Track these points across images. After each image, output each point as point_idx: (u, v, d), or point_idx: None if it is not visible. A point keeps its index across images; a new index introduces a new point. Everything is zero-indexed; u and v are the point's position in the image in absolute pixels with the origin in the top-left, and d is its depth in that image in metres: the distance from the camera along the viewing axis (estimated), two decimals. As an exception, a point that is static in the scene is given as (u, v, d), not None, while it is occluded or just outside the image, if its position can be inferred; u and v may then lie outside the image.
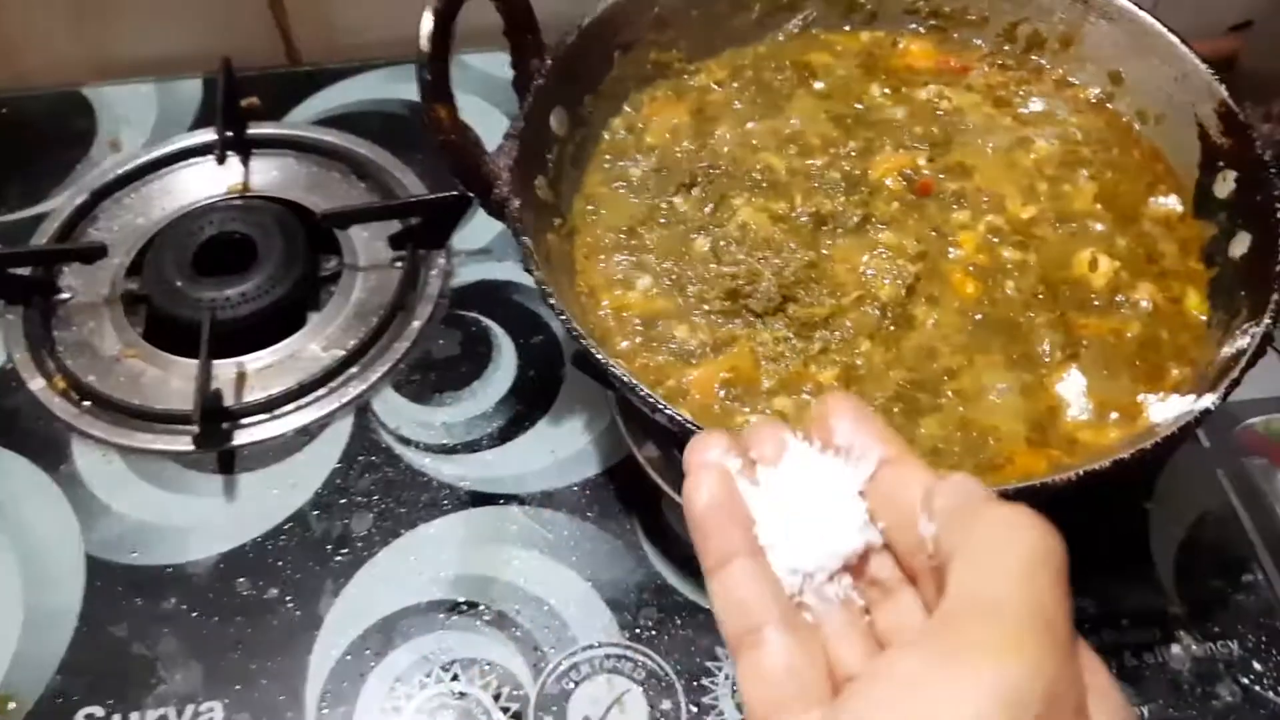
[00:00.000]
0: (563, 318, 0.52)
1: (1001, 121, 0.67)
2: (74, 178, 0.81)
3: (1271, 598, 0.63)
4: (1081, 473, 0.48)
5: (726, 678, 0.60)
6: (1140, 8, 0.66)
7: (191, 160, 0.82)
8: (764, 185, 0.64)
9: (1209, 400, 0.51)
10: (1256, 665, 0.60)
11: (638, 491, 0.66)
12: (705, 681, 0.59)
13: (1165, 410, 0.54)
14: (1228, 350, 0.54)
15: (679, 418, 0.49)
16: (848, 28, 0.72)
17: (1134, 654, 0.61)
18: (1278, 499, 0.79)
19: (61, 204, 0.79)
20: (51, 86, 0.87)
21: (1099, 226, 0.62)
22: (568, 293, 0.58)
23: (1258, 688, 0.60)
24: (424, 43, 0.53)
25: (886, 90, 0.69)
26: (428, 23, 0.53)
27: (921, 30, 0.72)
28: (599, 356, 0.51)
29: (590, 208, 0.63)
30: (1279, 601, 0.63)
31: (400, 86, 0.87)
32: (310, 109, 0.86)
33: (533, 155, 0.60)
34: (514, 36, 0.61)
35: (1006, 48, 0.70)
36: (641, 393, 0.50)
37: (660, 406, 0.50)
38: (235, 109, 0.83)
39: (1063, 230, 0.62)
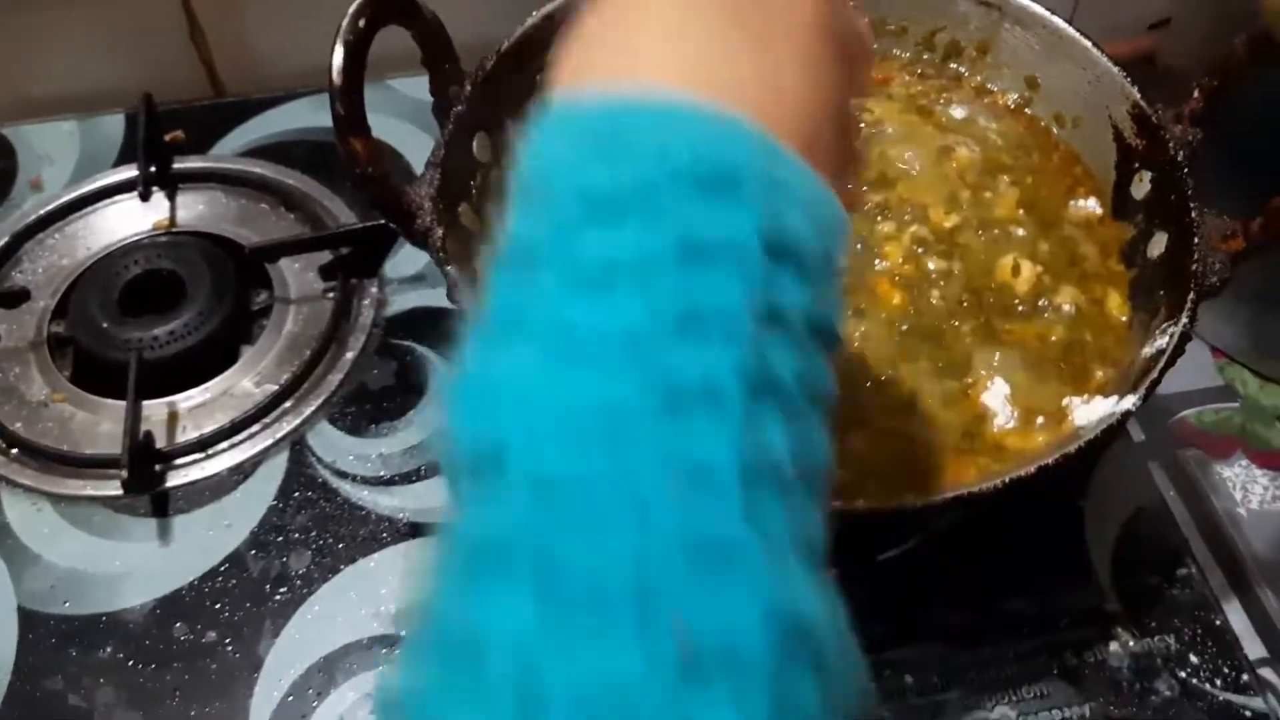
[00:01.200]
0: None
1: (923, 130, 0.68)
2: (-7, 219, 0.80)
3: (1206, 591, 0.64)
4: (1007, 480, 0.49)
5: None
6: (1055, 13, 0.67)
7: (115, 198, 0.81)
8: None
9: (1130, 402, 0.51)
10: (1193, 658, 0.61)
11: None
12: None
13: (1090, 412, 0.55)
14: (1148, 350, 0.55)
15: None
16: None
17: (1074, 653, 0.61)
18: (1212, 489, 0.81)
19: (-19, 247, 0.78)
20: (-34, 127, 0.86)
21: (1021, 232, 0.63)
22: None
23: (1194, 680, 0.61)
24: (336, 76, 0.53)
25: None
26: (338, 56, 0.52)
27: (841, 42, 0.72)
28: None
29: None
30: (1213, 595, 0.64)
31: (325, 116, 0.85)
32: (236, 140, 0.85)
33: (456, 182, 0.60)
34: (432, 64, 0.61)
35: (926, 56, 0.71)
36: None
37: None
38: (159, 144, 0.82)
39: (986, 237, 0.63)
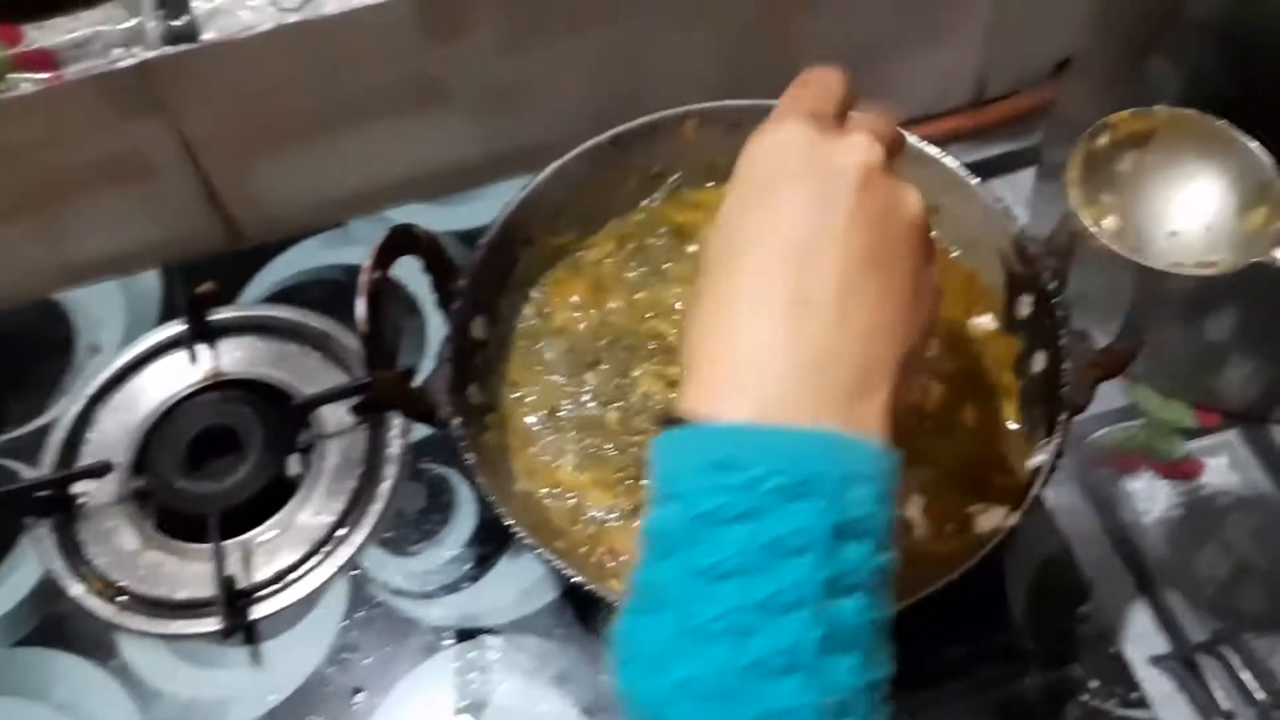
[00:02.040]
0: (507, 523, 0.66)
1: None
2: (65, 385, 0.93)
3: (1104, 623, 0.79)
4: (922, 596, 0.63)
5: (682, 759, 0.75)
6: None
7: (165, 355, 0.94)
8: (658, 354, 0.77)
9: (1014, 518, 0.65)
10: (1094, 683, 0.76)
11: (594, 607, 0.80)
12: (666, 765, 0.75)
13: (988, 521, 0.69)
14: (1031, 464, 0.69)
15: (609, 598, 0.64)
16: (711, 184, 0.84)
17: (997, 688, 0.76)
18: (1121, 503, 0.95)
19: (59, 413, 0.91)
20: (24, 299, 0.98)
21: (930, 354, 0.76)
22: (508, 483, 0.72)
23: (1095, 702, 0.76)
24: (361, 324, 0.65)
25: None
26: (361, 308, 0.65)
27: (772, 179, 0.84)
28: (542, 555, 0.65)
29: (515, 394, 0.76)
30: (1109, 625, 0.79)
31: (334, 252, 0.99)
32: (260, 285, 0.97)
33: (463, 368, 0.73)
34: (433, 270, 0.73)
35: (841, 186, 0.83)
36: (575, 580, 0.64)
37: (595, 591, 0.64)
38: (195, 299, 0.95)
39: None
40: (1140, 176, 0.69)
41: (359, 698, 0.78)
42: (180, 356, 0.93)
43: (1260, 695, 0.83)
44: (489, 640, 0.80)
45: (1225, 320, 0.97)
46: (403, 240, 0.69)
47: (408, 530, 0.85)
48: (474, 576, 0.83)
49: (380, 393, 0.67)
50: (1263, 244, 0.63)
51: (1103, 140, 0.68)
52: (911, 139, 0.78)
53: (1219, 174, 0.67)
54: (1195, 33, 0.85)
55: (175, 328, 0.94)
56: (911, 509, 0.71)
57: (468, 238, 0.76)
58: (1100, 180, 0.69)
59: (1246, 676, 0.84)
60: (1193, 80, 0.88)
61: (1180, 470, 0.97)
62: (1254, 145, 0.66)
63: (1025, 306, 0.74)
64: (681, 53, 1.00)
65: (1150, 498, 0.96)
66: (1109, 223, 0.67)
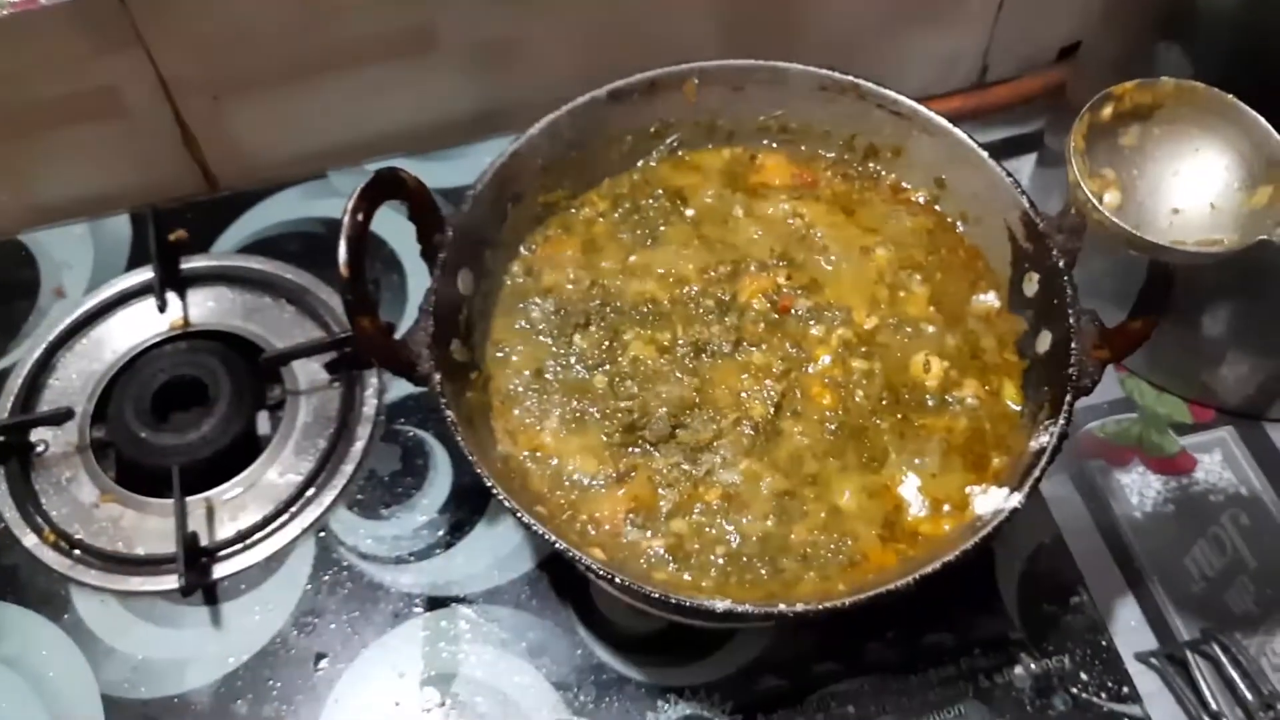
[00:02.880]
0: (489, 484, 0.63)
1: (848, 231, 0.78)
2: (28, 329, 0.89)
3: (1095, 615, 0.77)
4: (917, 577, 0.60)
5: (658, 738, 0.72)
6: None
7: (132, 302, 0.90)
8: (650, 318, 0.74)
9: (1016, 499, 0.63)
10: (1083, 676, 0.74)
11: (570, 581, 0.77)
12: (640, 744, 0.72)
13: (987, 502, 0.66)
14: (1034, 444, 0.66)
15: (593, 565, 0.61)
16: (710, 146, 0.82)
17: (986, 677, 0.74)
18: (1112, 496, 0.93)
19: (21, 356, 0.87)
20: (-10, 237, 0.94)
21: (931, 329, 0.74)
22: (488, 445, 0.69)
23: (1085, 695, 0.74)
24: (343, 269, 0.62)
25: (748, 209, 0.79)
26: (343, 252, 0.62)
27: (774, 145, 0.81)
28: (523, 518, 0.61)
29: (500, 353, 0.73)
30: (1100, 618, 0.77)
31: (314, 204, 0.95)
32: (235, 235, 0.94)
33: (446, 322, 0.69)
34: (418, 219, 0.70)
35: (847, 157, 0.81)
36: (559, 546, 0.61)
37: (577, 558, 0.61)
38: (165, 246, 0.91)
39: (901, 336, 0.73)
40: (1144, 150, 0.67)
41: (322, 664, 0.75)
42: (148, 304, 0.90)
43: (1248, 696, 0.81)
44: (461, 609, 0.77)
45: (1222, 317, 0.96)
46: (389, 183, 0.66)
47: (380, 493, 0.82)
48: (447, 543, 0.79)
49: (359, 343, 0.64)
50: (1268, 223, 0.61)
51: (1107, 111, 0.66)
52: (920, 108, 0.76)
53: (1225, 150, 0.65)
54: (1205, 19, 0.83)
55: (144, 275, 0.90)
56: (907, 486, 0.68)
57: (454, 195, 0.72)
58: (1103, 153, 0.66)
59: (1235, 676, 0.82)
60: (1202, 67, 0.86)
61: (1173, 465, 0.95)
62: (1262, 121, 0.63)
63: (1032, 284, 0.72)
64: (682, 13, 0.98)
65: (1142, 492, 0.94)
66: (1110, 197, 0.65)
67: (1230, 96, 0.64)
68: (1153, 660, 0.85)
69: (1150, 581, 0.90)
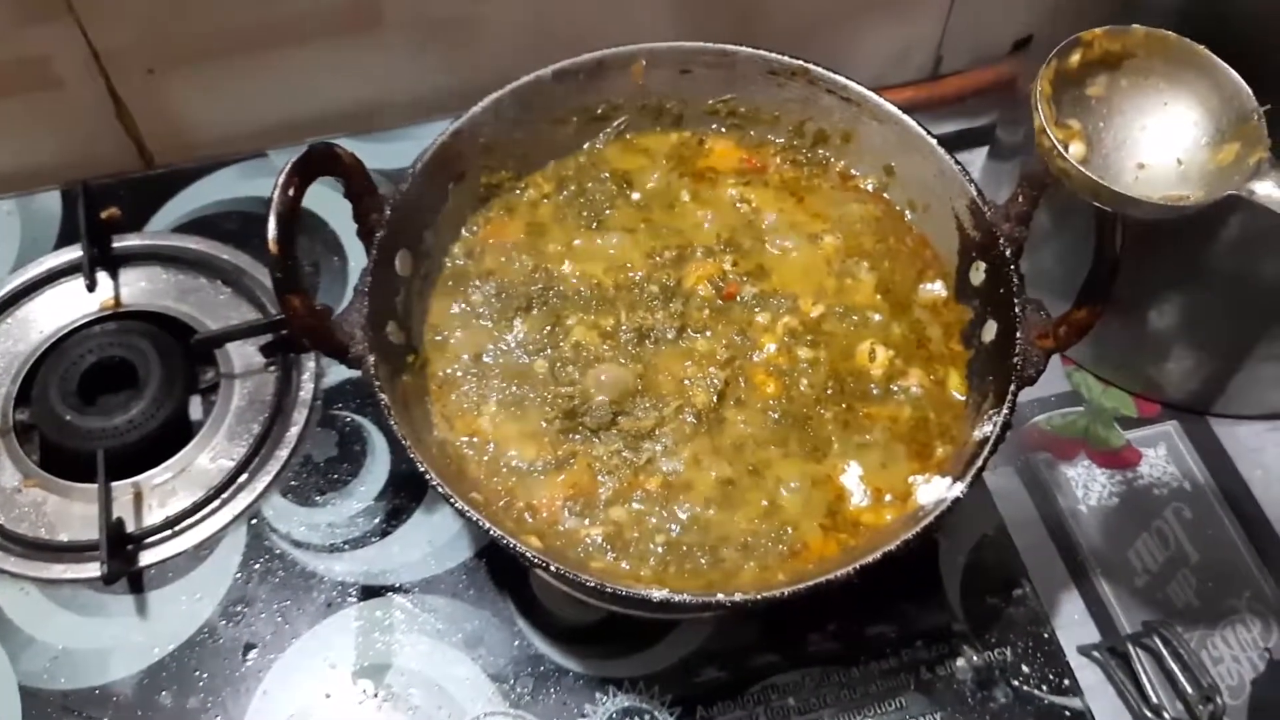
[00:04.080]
0: (423, 469, 0.61)
1: (796, 217, 0.77)
2: (-51, 307, 0.86)
3: (1037, 607, 0.76)
4: (858, 566, 0.59)
5: (595, 731, 0.71)
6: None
7: (61, 280, 0.87)
8: (594, 302, 0.72)
9: (959, 489, 0.62)
10: (1025, 668, 0.74)
11: (509, 570, 0.76)
12: (577, 737, 0.71)
13: (930, 492, 0.66)
14: (977, 434, 0.66)
15: (528, 554, 0.59)
16: (658, 129, 0.80)
17: (928, 669, 0.74)
18: (1057, 489, 0.93)
19: (-59, 336, 0.84)
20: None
21: (877, 317, 0.73)
22: (424, 430, 0.67)
23: (1026, 687, 0.73)
24: (272, 245, 0.60)
25: (695, 194, 0.78)
26: (272, 228, 0.60)
27: (723, 130, 0.80)
28: (457, 505, 0.60)
29: (438, 337, 0.71)
30: (1042, 610, 0.76)
31: (253, 183, 0.93)
32: (170, 214, 0.91)
33: (382, 303, 0.67)
34: (354, 197, 0.68)
35: (796, 143, 0.80)
36: (494, 534, 0.59)
37: (512, 546, 0.59)
38: (97, 223, 0.88)
39: (847, 324, 0.72)
40: (1111, 102, 0.64)
41: (251, 655, 0.73)
42: (77, 284, 0.87)
43: (1189, 688, 0.81)
44: (396, 599, 0.75)
45: (1168, 311, 0.96)
46: (323, 159, 0.64)
47: (315, 479, 0.80)
48: (383, 531, 0.78)
49: (289, 323, 0.62)
50: (1235, 179, 0.59)
51: (1075, 59, 0.63)
52: (870, 94, 0.75)
53: (1194, 105, 0.63)
54: (1155, 15, 0.83)
55: (74, 253, 0.88)
56: (849, 476, 0.67)
57: (398, 177, 0.70)
58: (1070, 104, 0.64)
59: (1175, 668, 0.82)
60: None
61: (1118, 459, 0.95)
62: (1234, 74, 0.61)
63: (979, 274, 0.71)
64: (634, -4, 0.96)
65: (1087, 485, 0.94)
66: (1075, 149, 0.63)
67: (1202, 48, 0.62)
68: (1095, 653, 0.84)
69: (1094, 574, 0.89)
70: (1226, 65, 0.62)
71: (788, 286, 0.74)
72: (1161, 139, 0.63)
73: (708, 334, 0.72)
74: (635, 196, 0.77)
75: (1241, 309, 0.90)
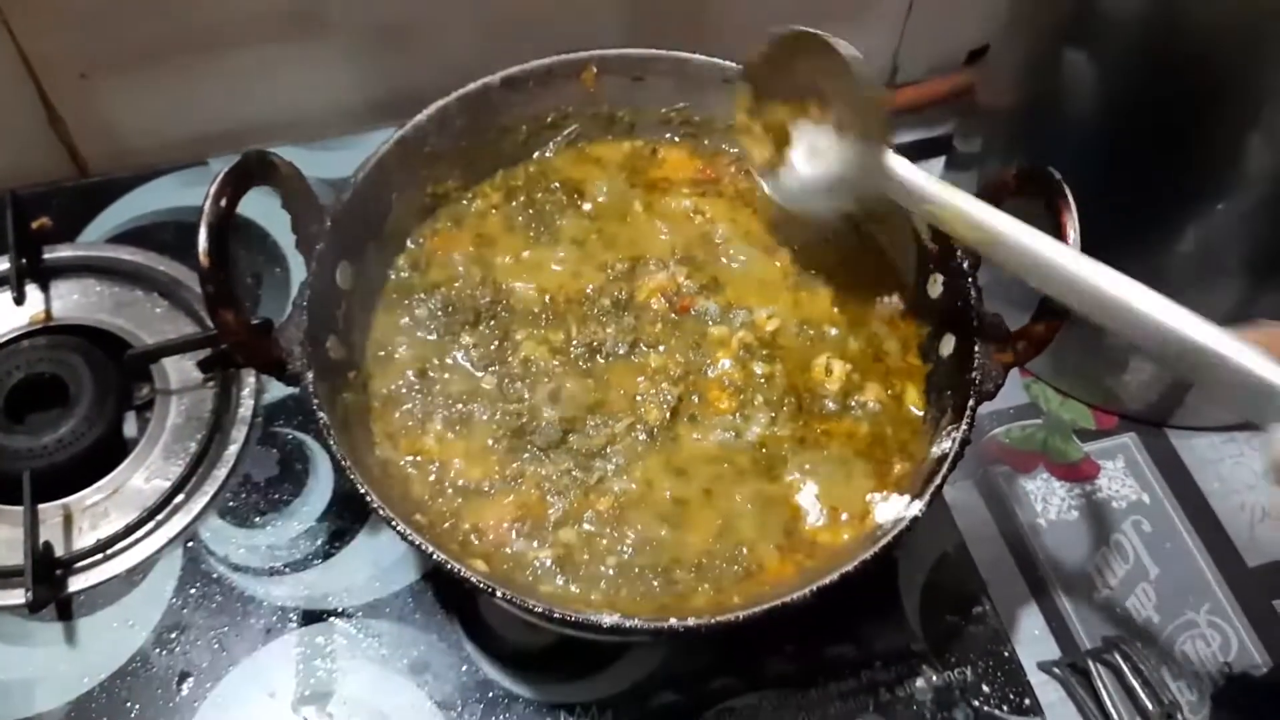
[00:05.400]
0: (363, 491, 0.58)
1: (750, 229, 0.75)
2: None
3: (997, 625, 0.75)
4: (815, 589, 0.57)
5: (546, 759, 0.68)
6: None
7: (-12, 293, 0.83)
8: (544, 316, 0.70)
9: (917, 507, 0.60)
10: (985, 688, 0.72)
11: (456, 593, 0.73)
12: (527, 766, 0.68)
13: (888, 510, 0.64)
14: (936, 451, 0.64)
15: (472, 578, 0.57)
16: (610, 138, 0.78)
17: (887, 689, 0.72)
18: (1016, 502, 0.92)
19: None
20: None
21: (834, 331, 0.71)
22: (366, 449, 0.64)
23: (986, 707, 0.72)
24: (203, 258, 0.57)
25: (648, 205, 0.76)
26: (203, 240, 0.57)
27: (676, 139, 0.78)
28: (398, 528, 0.57)
29: (381, 352, 0.69)
30: (1002, 628, 0.75)
31: (192, 192, 0.90)
32: (104, 224, 0.88)
33: (322, 317, 0.65)
34: (292, 207, 0.65)
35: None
36: (437, 558, 0.57)
37: (457, 570, 0.57)
38: (27, 234, 0.85)
39: (803, 338, 0.71)
40: (796, 123, 0.70)
41: (186, 684, 0.70)
42: (4, 297, 0.83)
43: (1149, 705, 0.80)
44: (338, 624, 0.72)
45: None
46: (258, 167, 0.61)
47: (255, 499, 0.77)
48: (326, 553, 0.75)
49: (222, 338, 0.59)
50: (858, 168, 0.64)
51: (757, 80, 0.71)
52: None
53: (840, 100, 0.67)
54: (1111, 24, 0.82)
55: (1, 265, 0.84)
56: (805, 494, 0.65)
57: (341, 187, 0.68)
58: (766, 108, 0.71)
59: (1136, 684, 0.81)
60: (1108, 72, 0.85)
61: (1077, 471, 0.94)
62: (845, 53, 0.65)
63: (936, 286, 0.70)
64: (588, 1, 0.94)
65: (1046, 498, 0.93)
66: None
67: (826, 37, 0.66)
68: (1055, 669, 0.83)
69: (1053, 589, 0.88)
70: (842, 48, 0.66)
71: (743, 300, 0.72)
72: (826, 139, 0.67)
73: (661, 349, 0.70)
74: (586, 207, 0.75)
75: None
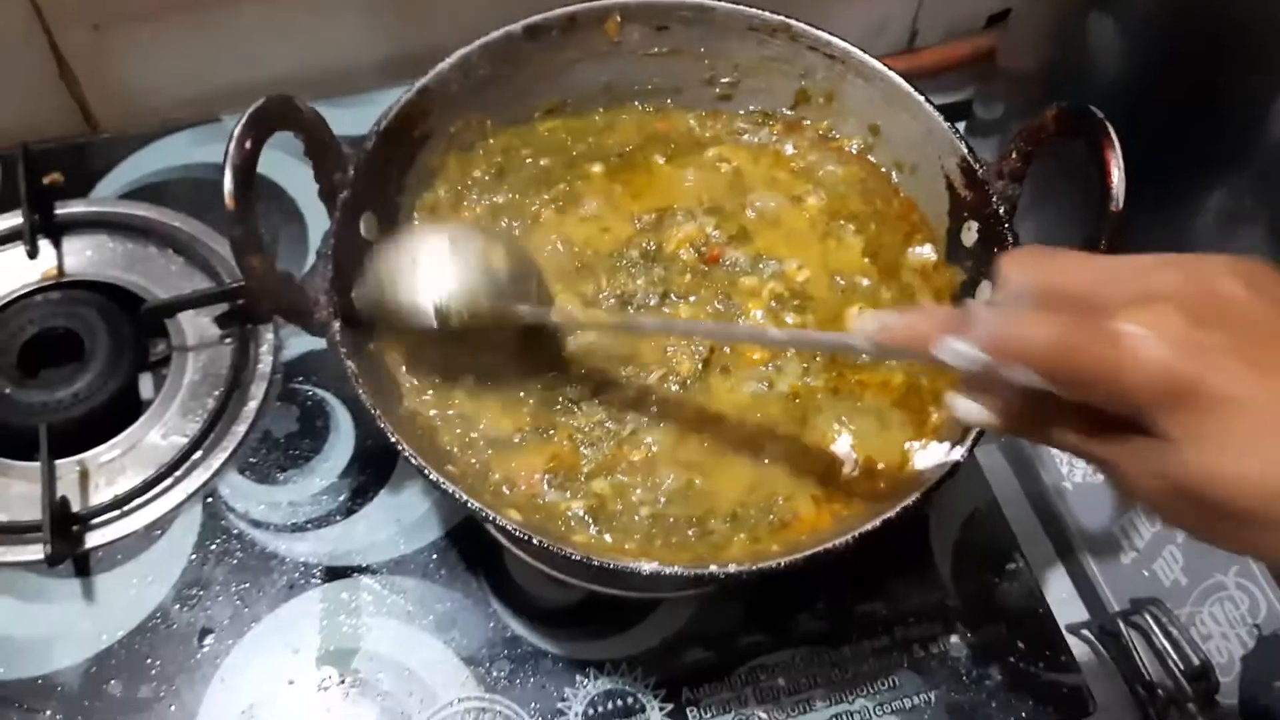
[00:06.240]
0: (393, 439, 0.57)
1: (778, 176, 0.74)
2: (-121, 278, 0.80)
3: (1031, 582, 0.74)
4: (857, 535, 0.56)
5: (576, 716, 0.67)
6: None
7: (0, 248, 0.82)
8: (572, 269, 0.69)
9: (959, 453, 0.59)
10: (1020, 644, 0.71)
11: (481, 550, 0.72)
12: (557, 722, 0.67)
13: (927, 457, 0.63)
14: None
15: (509, 526, 0.55)
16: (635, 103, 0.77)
17: (920, 646, 0.71)
18: (1042, 467, 0.91)
19: None
20: None
21: (866, 281, 0.70)
22: (393, 400, 0.63)
23: (1022, 664, 0.71)
24: (229, 200, 0.55)
25: (670, 156, 0.74)
26: (229, 183, 0.55)
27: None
28: (431, 476, 0.56)
29: (407, 303, 0.67)
30: (1036, 585, 0.74)
31: (206, 149, 0.88)
32: (117, 180, 0.86)
33: (347, 268, 0.63)
34: (315, 154, 0.64)
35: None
36: (471, 505, 0.56)
37: (491, 518, 0.55)
38: (39, 189, 0.83)
39: (834, 289, 0.69)
40: None
41: (207, 640, 0.68)
42: (17, 252, 0.81)
43: (1180, 665, 0.79)
44: (362, 580, 0.71)
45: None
46: (282, 109, 0.60)
47: (275, 456, 0.75)
48: (349, 510, 0.73)
49: (249, 284, 0.57)
50: None
51: None
52: (855, 51, 0.73)
53: None
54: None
55: (13, 219, 0.82)
56: (841, 444, 0.64)
57: (360, 143, 0.66)
58: None
59: (1166, 646, 0.80)
60: (1135, 34, 0.84)
61: (1103, 434, 0.93)
62: None
63: (971, 234, 0.69)
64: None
65: (1072, 462, 0.92)
66: None
67: None
68: (1084, 632, 0.82)
69: (1080, 552, 0.87)
70: None
71: (772, 250, 0.71)
72: None
73: (691, 299, 0.68)
74: (615, 159, 0.74)
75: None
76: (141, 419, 0.76)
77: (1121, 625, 0.82)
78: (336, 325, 0.60)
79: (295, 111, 0.61)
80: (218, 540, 0.72)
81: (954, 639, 0.71)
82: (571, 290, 0.68)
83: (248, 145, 0.57)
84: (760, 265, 0.70)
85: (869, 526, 0.56)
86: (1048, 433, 0.44)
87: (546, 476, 0.62)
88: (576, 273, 0.69)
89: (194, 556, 0.71)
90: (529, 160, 0.74)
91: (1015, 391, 0.43)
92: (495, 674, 0.68)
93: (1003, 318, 0.42)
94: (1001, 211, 0.66)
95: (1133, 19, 0.83)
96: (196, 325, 0.80)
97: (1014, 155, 0.67)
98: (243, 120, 0.57)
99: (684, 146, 0.75)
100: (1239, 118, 0.81)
